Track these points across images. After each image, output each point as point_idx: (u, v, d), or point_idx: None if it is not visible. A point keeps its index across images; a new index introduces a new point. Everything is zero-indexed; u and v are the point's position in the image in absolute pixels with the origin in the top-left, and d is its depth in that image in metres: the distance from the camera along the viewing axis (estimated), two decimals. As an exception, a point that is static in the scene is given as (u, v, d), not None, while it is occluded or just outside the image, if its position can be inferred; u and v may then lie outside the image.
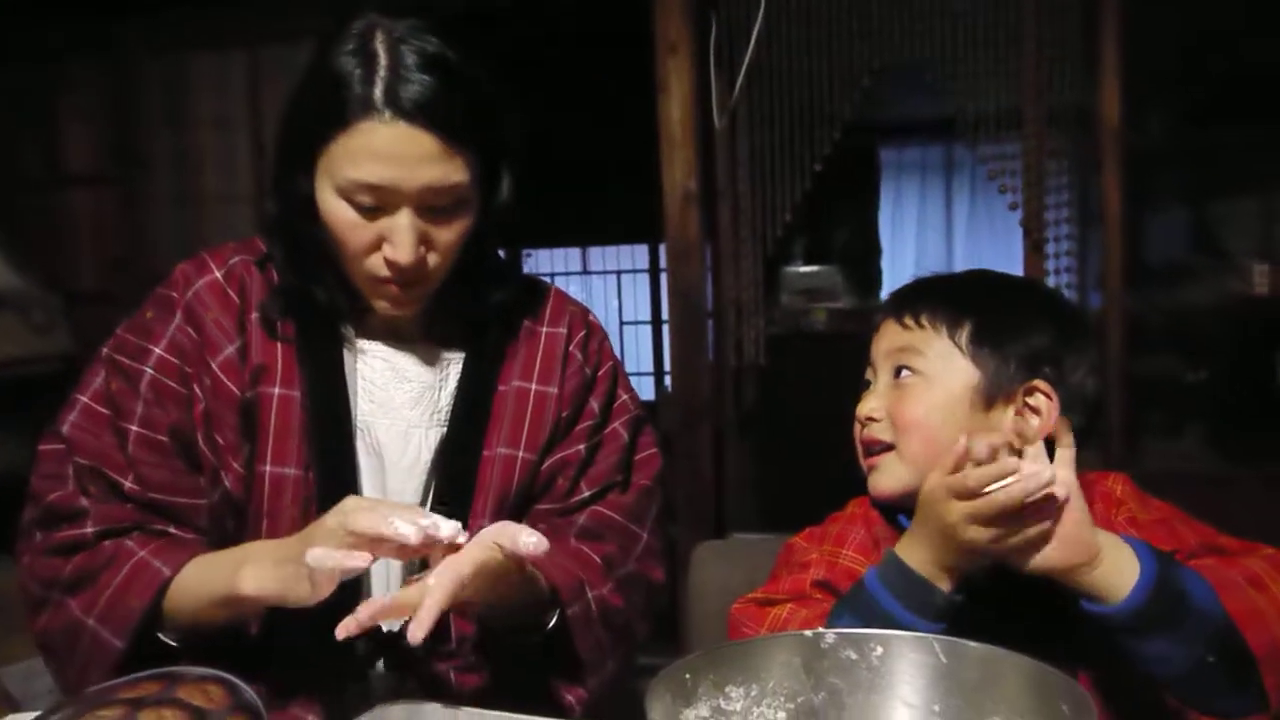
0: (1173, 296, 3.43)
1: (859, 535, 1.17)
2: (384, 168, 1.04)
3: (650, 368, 6.06)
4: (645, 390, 5.79)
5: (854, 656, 0.83)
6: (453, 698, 1.14)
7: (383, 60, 1.04)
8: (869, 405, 1.15)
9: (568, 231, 5.58)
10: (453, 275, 1.16)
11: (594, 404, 1.25)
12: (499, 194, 1.15)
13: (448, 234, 1.10)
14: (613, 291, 6.56)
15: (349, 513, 0.97)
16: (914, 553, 0.98)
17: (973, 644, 0.80)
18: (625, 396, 1.29)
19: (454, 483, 1.17)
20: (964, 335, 1.11)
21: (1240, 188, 3.68)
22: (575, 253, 6.37)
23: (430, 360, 1.21)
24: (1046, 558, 0.93)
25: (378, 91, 1.03)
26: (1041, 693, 0.74)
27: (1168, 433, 3.34)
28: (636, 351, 6.23)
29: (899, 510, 1.14)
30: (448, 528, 0.96)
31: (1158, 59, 3.07)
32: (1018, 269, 2.98)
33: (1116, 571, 0.92)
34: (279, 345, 1.17)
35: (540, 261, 6.12)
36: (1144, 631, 0.91)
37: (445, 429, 1.19)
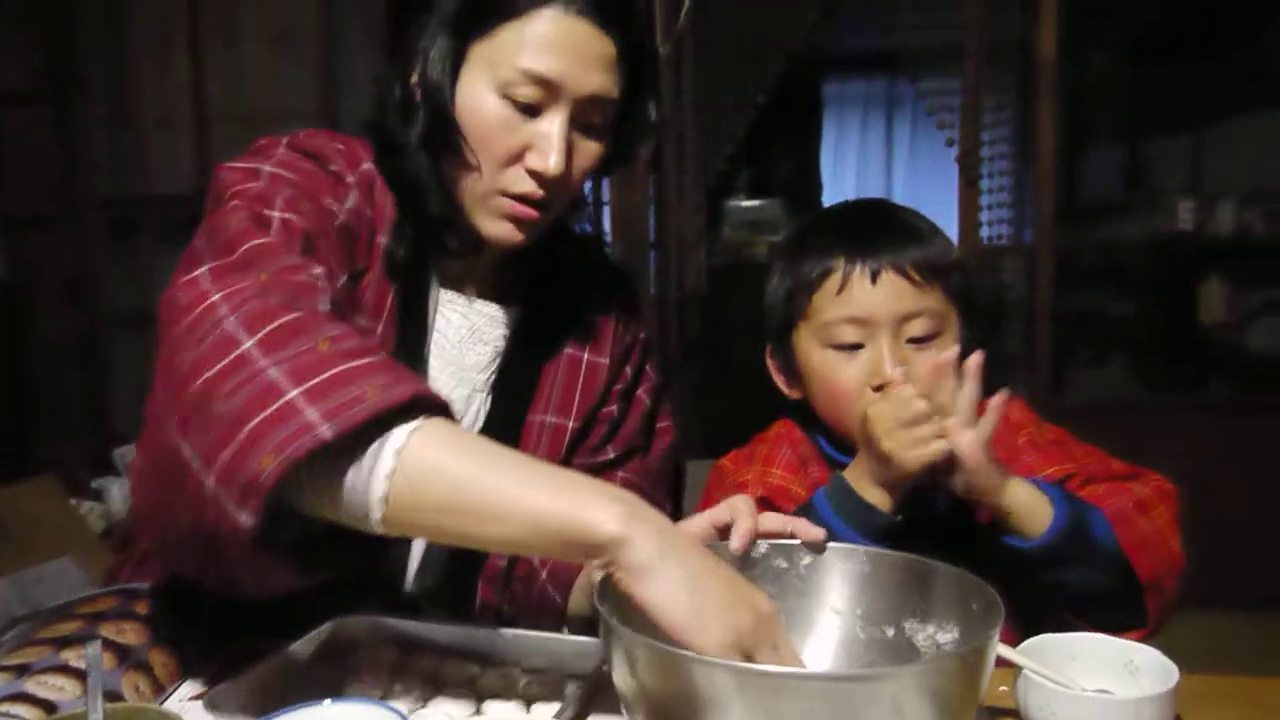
0: (1102, 231, 3.52)
1: (786, 454, 1.21)
2: (559, 60, 0.97)
3: (594, 299, 6.05)
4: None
5: (784, 565, 0.88)
6: None
7: None
8: (897, 373, 1.07)
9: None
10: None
11: (628, 370, 1.21)
12: (642, 128, 1.08)
13: (586, 157, 1.03)
14: (556, 223, 6.53)
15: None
16: (860, 478, 1.05)
17: (894, 553, 0.86)
18: (650, 366, 1.26)
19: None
20: (954, 288, 1.13)
21: (1170, 126, 3.76)
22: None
23: (500, 322, 1.13)
24: (959, 482, 1.02)
25: None
26: (956, 595, 0.80)
27: (1093, 363, 3.45)
28: (580, 283, 6.22)
29: (819, 432, 1.21)
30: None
31: (1095, -3, 3.12)
32: (954, 203, 3.04)
33: (1032, 513, 1.01)
34: (390, 281, 1.05)
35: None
36: (1053, 564, 1.01)
37: (491, 394, 1.13)
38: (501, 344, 1.12)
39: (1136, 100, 3.69)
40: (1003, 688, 0.85)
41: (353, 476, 0.75)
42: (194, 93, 3.27)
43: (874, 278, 1.10)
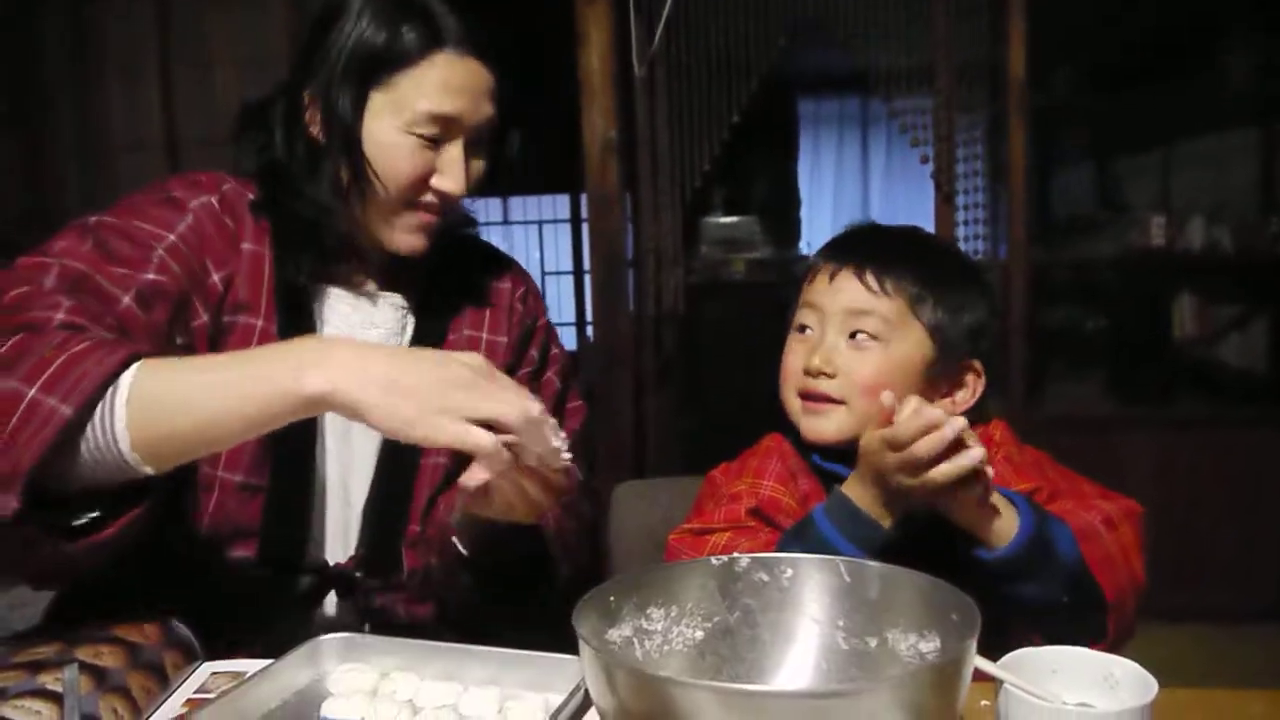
0: (1075, 248, 3.56)
1: (776, 467, 1.23)
2: (455, 99, 1.11)
3: (572, 318, 6.07)
4: (568, 340, 5.79)
5: (766, 578, 0.88)
6: (401, 628, 1.18)
7: (435, 2, 1.12)
8: (820, 359, 1.17)
9: (488, 181, 5.54)
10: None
11: (533, 353, 1.32)
12: (509, 137, 1.22)
13: (477, 171, 1.18)
14: (534, 242, 6.54)
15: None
16: (858, 494, 1.07)
17: (874, 564, 0.86)
18: (556, 349, 1.36)
19: None
20: (926, 311, 1.17)
21: (1140, 143, 3.81)
22: (496, 202, 6.31)
23: (391, 308, 1.24)
24: (955, 506, 1.03)
25: (450, 27, 1.11)
26: (936, 605, 0.80)
27: (1068, 378, 3.48)
28: (558, 301, 6.23)
29: (813, 449, 1.22)
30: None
31: (1064, 17, 3.16)
32: (930, 220, 3.07)
33: (996, 526, 1.03)
34: (265, 282, 1.15)
35: (460, 211, 6.06)
36: (1015, 577, 1.03)
37: None
38: (394, 325, 1.23)
39: (1105, 118, 3.73)
40: (984, 702, 0.86)
41: (99, 432, 0.86)
42: (164, 117, 3.27)
43: (833, 275, 1.20)
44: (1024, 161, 2.98)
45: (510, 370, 1.27)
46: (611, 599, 0.81)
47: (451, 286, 1.28)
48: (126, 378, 0.87)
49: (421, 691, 0.89)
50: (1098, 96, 3.60)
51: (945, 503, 1.04)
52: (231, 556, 1.14)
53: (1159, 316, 3.57)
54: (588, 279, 3.04)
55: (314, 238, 1.16)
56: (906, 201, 5.50)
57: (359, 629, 1.17)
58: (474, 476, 0.89)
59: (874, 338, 1.16)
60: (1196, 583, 2.99)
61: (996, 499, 1.05)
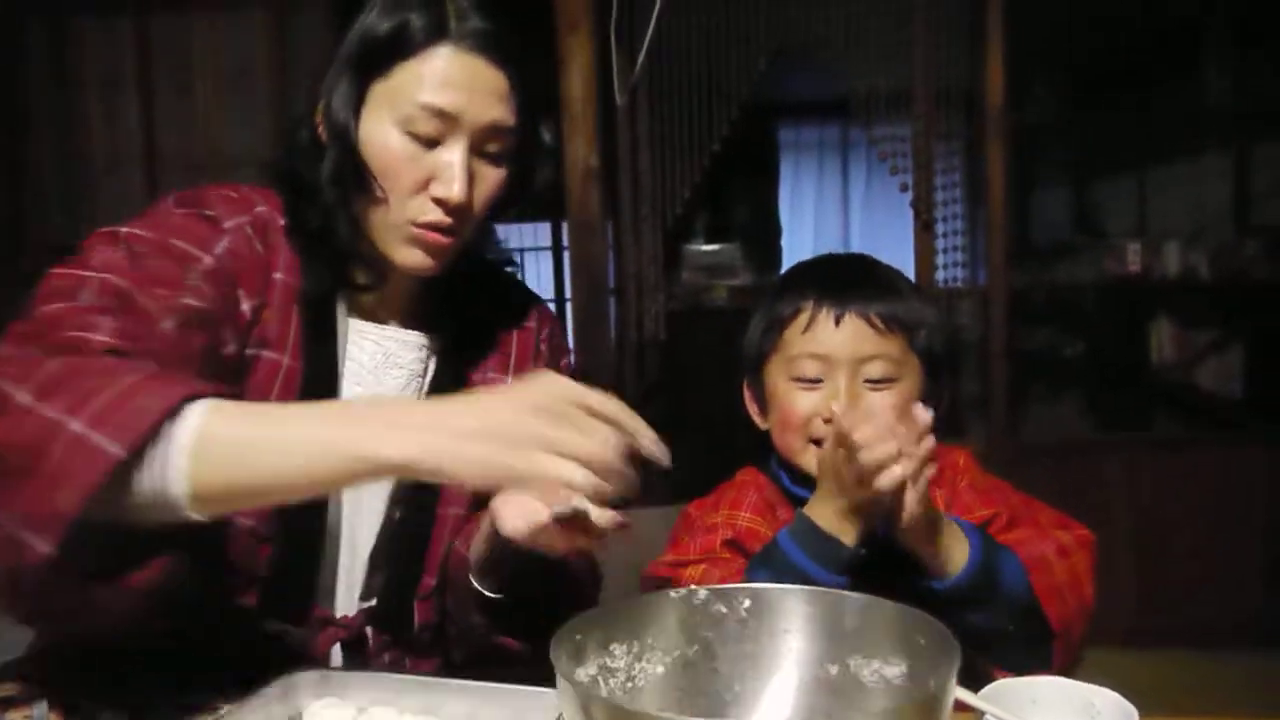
0: (1053, 273, 3.58)
1: (753, 498, 1.24)
2: (454, 94, 1.03)
3: (554, 344, 6.06)
4: (549, 366, 5.81)
5: (724, 610, 0.87)
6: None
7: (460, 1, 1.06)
8: (835, 408, 1.13)
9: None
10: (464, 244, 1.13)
11: None
12: (539, 154, 1.14)
13: (488, 183, 1.08)
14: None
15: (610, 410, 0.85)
16: (821, 513, 1.08)
17: (832, 591, 0.86)
18: None
19: None
20: (919, 341, 1.19)
21: (1116, 169, 3.85)
22: (478, 229, 6.34)
23: (416, 346, 1.17)
24: (906, 529, 1.04)
25: (451, 19, 1.04)
26: (899, 630, 0.80)
27: (1047, 401, 3.50)
28: (540, 328, 6.24)
29: (782, 469, 1.24)
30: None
31: (1040, 43, 3.20)
32: (909, 247, 3.09)
33: (948, 556, 1.05)
34: (294, 315, 1.09)
35: (442, 238, 6.07)
36: (961, 606, 1.04)
37: None
38: (417, 366, 1.17)
39: (1081, 144, 3.77)
40: (963, 732, 0.85)
41: (150, 474, 0.79)
42: (144, 135, 3.26)
43: (838, 320, 1.18)
44: (1003, 187, 3.01)
45: None
46: (578, 637, 0.80)
47: (476, 326, 1.21)
48: (191, 421, 0.80)
49: (398, 727, 0.88)
50: (1074, 120, 3.64)
51: (896, 523, 1.04)
52: (234, 605, 1.06)
53: (1137, 341, 3.60)
54: (569, 306, 3.03)
55: (326, 246, 1.09)
56: (887, 227, 5.53)
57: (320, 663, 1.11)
58: (535, 514, 0.89)
59: (890, 379, 1.17)
60: (1176, 606, 3.00)
61: (950, 527, 1.06)
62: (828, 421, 1.14)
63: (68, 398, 0.79)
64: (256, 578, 1.06)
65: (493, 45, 1.05)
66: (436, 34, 1.03)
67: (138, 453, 0.77)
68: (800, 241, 5.80)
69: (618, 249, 3.05)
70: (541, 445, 0.79)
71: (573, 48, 2.84)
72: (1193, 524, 3.08)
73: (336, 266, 1.10)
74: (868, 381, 1.16)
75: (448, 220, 1.06)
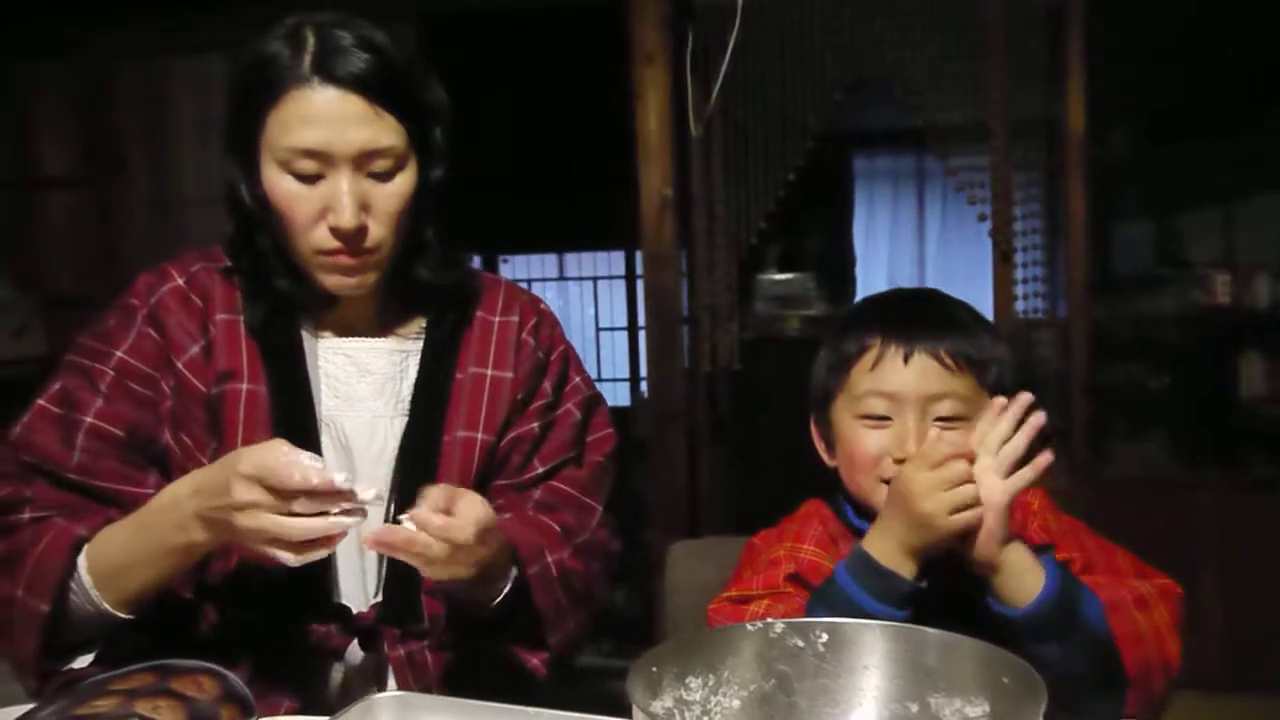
0: (1137, 305, 3.50)
1: (816, 531, 1.23)
2: (317, 131, 1.09)
3: (626, 373, 6.08)
4: (621, 396, 5.81)
5: (800, 644, 0.87)
6: (425, 675, 1.19)
7: (310, 40, 1.11)
8: (907, 449, 1.12)
9: (544, 237, 5.62)
10: (401, 259, 1.21)
11: (547, 385, 1.30)
12: (433, 159, 1.19)
13: (387, 200, 1.14)
14: (589, 298, 6.58)
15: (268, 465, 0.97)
16: (879, 547, 1.06)
17: (912, 626, 0.85)
18: (578, 379, 1.34)
19: (418, 467, 1.21)
20: (989, 378, 1.16)
21: (1202, 199, 3.75)
22: (552, 258, 6.37)
23: (389, 352, 1.25)
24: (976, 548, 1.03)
25: (306, 63, 1.10)
26: (980, 667, 0.78)
27: (1131, 438, 3.41)
28: (613, 357, 6.25)
29: (846, 502, 1.23)
30: (364, 491, 1.00)
31: (1121, 73, 3.14)
32: (988, 278, 3.04)
33: (1024, 583, 1.02)
34: (244, 345, 1.20)
35: (516, 267, 6.13)
36: (1037, 637, 1.01)
37: (408, 417, 1.24)
38: (391, 371, 1.25)
39: (1164, 174, 3.69)
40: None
41: (84, 600, 1.09)
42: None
43: (906, 358, 1.15)
44: (1084, 217, 2.96)
45: (522, 405, 1.27)
46: (654, 669, 0.80)
47: (454, 325, 1.28)
48: (83, 561, 1.08)
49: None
50: (1157, 151, 3.56)
51: (966, 544, 1.03)
52: (253, 605, 1.16)
53: (1225, 375, 3.49)
54: (642, 335, 3.04)
55: (261, 281, 1.20)
56: (964, 258, 5.46)
57: (382, 677, 1.19)
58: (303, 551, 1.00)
59: (960, 418, 1.14)
60: (1264, 653, 2.89)
61: (1024, 556, 1.04)
62: (899, 461, 1.12)
63: (14, 571, 1.09)
64: (276, 577, 1.12)
65: (350, 75, 1.10)
66: (292, 79, 1.10)
67: (62, 597, 1.08)
68: (875, 271, 5.74)
69: (691, 279, 3.05)
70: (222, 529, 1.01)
71: (648, 80, 2.86)
72: (1283, 566, 2.97)
73: (280, 296, 1.20)
74: (938, 420, 1.13)
75: (347, 246, 1.13)
